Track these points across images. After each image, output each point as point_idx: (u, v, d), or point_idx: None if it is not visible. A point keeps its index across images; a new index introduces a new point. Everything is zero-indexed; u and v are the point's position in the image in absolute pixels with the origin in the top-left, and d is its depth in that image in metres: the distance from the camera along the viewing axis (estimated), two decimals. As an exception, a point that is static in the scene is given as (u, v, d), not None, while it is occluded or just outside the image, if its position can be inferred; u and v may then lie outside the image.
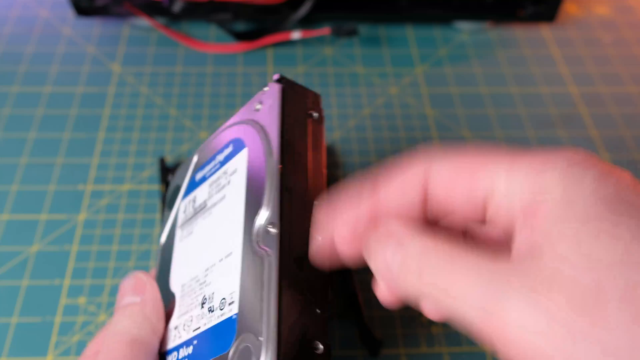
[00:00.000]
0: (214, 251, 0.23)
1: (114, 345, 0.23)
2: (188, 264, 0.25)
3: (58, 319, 0.34)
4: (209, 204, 0.25)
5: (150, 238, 0.38)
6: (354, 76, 0.49)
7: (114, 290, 0.35)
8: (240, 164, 0.24)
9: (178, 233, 0.27)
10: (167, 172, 0.40)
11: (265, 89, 0.24)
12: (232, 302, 0.21)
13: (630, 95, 0.49)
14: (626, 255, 0.14)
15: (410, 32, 0.53)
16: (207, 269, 0.23)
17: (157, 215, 0.39)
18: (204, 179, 0.27)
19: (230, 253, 0.22)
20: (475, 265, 0.15)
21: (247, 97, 0.46)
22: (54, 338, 0.33)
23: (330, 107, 0.46)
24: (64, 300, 0.35)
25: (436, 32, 0.53)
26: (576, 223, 0.15)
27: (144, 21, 0.50)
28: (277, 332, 0.18)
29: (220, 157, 0.26)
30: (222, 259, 0.23)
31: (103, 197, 0.40)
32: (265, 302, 0.19)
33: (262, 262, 0.20)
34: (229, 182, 0.24)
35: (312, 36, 0.50)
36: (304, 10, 0.48)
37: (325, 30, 0.48)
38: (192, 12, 0.48)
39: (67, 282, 0.35)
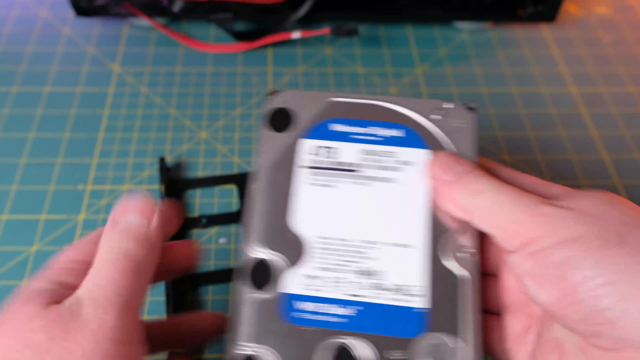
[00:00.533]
0: (380, 230, 0.25)
1: (118, 267, 0.21)
2: (327, 218, 0.25)
3: (58, 319, 0.34)
4: (365, 173, 0.26)
5: (150, 238, 0.38)
6: (354, 76, 0.49)
7: (114, 290, 0.35)
8: (418, 160, 0.26)
9: (303, 173, 0.26)
10: (168, 171, 0.40)
11: (448, 105, 0.27)
12: (416, 295, 0.24)
13: (630, 95, 0.49)
14: None
15: (410, 32, 0.53)
16: (368, 242, 0.25)
17: (157, 215, 0.39)
18: (347, 137, 0.27)
19: (408, 246, 0.25)
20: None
21: (247, 96, 0.46)
22: (54, 338, 0.33)
23: (330, 107, 0.46)
24: (64, 300, 0.35)
25: (436, 32, 0.53)
26: None
27: (143, 21, 0.50)
28: (476, 344, 0.23)
29: (382, 132, 0.27)
30: (394, 245, 0.25)
31: (103, 197, 0.40)
32: (464, 315, 0.24)
33: (454, 277, 0.24)
34: (400, 170, 0.26)
35: (312, 36, 0.50)
36: (304, 10, 0.48)
37: (325, 30, 0.48)
38: (192, 12, 0.48)
39: (67, 282, 0.35)
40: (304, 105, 0.28)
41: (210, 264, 0.37)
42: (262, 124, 0.28)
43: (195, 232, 0.38)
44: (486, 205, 0.24)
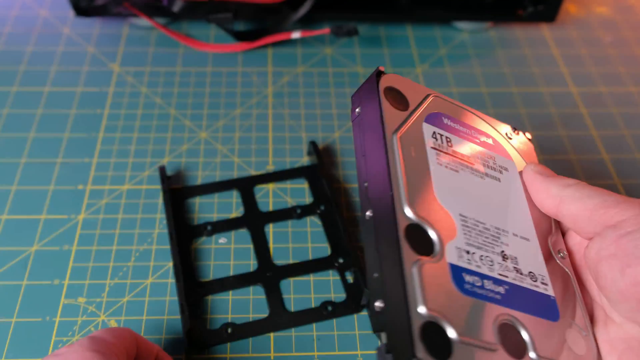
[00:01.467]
0: (503, 220, 0.27)
1: None
2: (462, 198, 0.26)
3: (58, 319, 0.34)
4: (477, 167, 0.28)
5: (150, 238, 0.38)
6: (354, 76, 0.49)
7: (114, 291, 0.35)
8: (511, 168, 0.30)
9: (431, 153, 0.27)
10: (168, 179, 0.40)
11: (514, 130, 0.32)
12: (546, 284, 0.26)
13: (630, 95, 0.49)
14: None
15: (410, 32, 0.53)
16: (498, 229, 0.27)
17: (157, 215, 0.39)
18: (458, 133, 0.29)
19: (529, 240, 0.27)
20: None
21: (247, 96, 0.46)
22: (54, 338, 0.33)
23: (330, 107, 0.46)
24: (64, 300, 0.35)
25: (436, 32, 0.53)
26: None
27: (143, 21, 0.50)
28: (592, 333, 0.25)
29: (478, 136, 0.30)
30: (518, 235, 0.27)
31: (103, 197, 0.40)
32: (579, 307, 0.26)
33: (559, 271, 0.27)
34: (501, 172, 0.29)
35: (312, 36, 0.50)
36: (304, 10, 0.48)
37: (325, 30, 0.48)
38: (192, 12, 0.48)
39: (67, 282, 0.35)
40: (412, 92, 0.29)
41: (210, 264, 0.37)
42: (374, 97, 0.28)
43: (202, 240, 0.38)
44: (574, 193, 0.26)
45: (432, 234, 0.24)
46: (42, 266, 0.36)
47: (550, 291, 0.26)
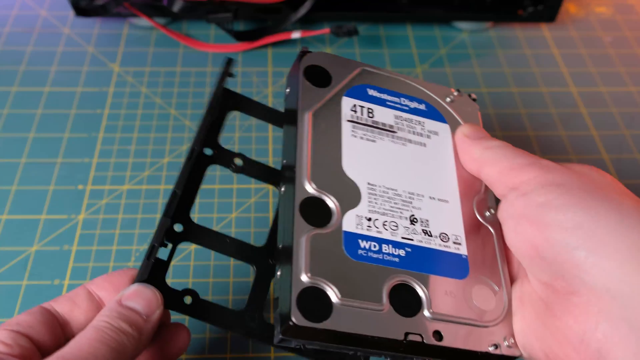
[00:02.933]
0: (420, 185, 0.28)
1: (102, 345, 0.22)
2: (373, 168, 0.28)
3: (58, 319, 0.34)
4: (400, 135, 0.29)
5: (150, 238, 0.37)
6: (354, 76, 0.49)
7: (114, 290, 0.35)
8: (442, 132, 0.30)
9: (346, 126, 0.28)
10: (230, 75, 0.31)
11: (456, 93, 0.32)
12: (459, 243, 0.27)
13: (630, 95, 0.49)
14: None
15: (410, 32, 0.53)
16: (412, 194, 0.28)
17: (157, 215, 0.39)
18: (383, 103, 0.30)
19: (447, 201, 0.28)
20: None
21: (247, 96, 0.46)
22: (54, 338, 0.33)
23: (330, 107, 0.46)
24: (64, 300, 0.35)
25: (436, 32, 0.53)
26: None
27: (143, 21, 0.50)
28: (507, 289, 0.26)
29: (409, 103, 0.31)
30: (434, 198, 0.28)
31: (103, 197, 0.40)
32: (496, 263, 0.27)
33: (482, 230, 0.28)
34: (428, 137, 0.30)
35: (312, 36, 0.50)
36: (304, 10, 0.48)
37: (325, 30, 0.48)
38: (192, 12, 0.48)
39: (67, 282, 0.35)
40: (338, 67, 0.30)
41: (210, 264, 0.37)
42: (296, 77, 0.29)
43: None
44: (494, 155, 0.27)
45: (332, 205, 0.26)
46: (42, 266, 0.36)
47: (462, 250, 0.27)
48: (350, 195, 0.26)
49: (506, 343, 0.25)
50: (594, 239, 0.22)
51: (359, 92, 0.30)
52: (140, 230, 0.38)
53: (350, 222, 0.25)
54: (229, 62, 0.31)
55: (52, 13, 0.52)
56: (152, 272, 0.25)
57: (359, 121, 0.29)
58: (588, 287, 0.21)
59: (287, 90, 0.30)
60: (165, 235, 0.26)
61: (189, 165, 0.28)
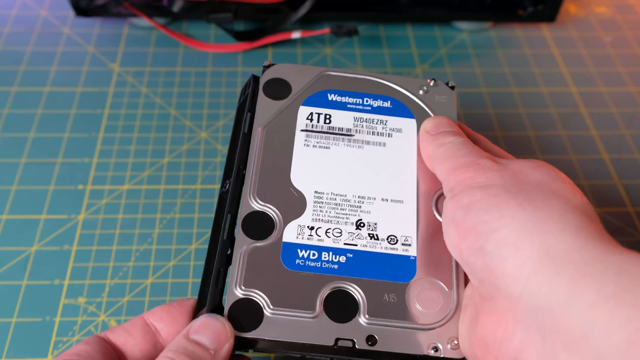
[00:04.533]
0: (373, 187, 0.28)
1: None
2: (323, 176, 0.28)
3: (58, 319, 0.34)
4: (358, 138, 0.29)
5: (150, 238, 0.38)
6: (354, 76, 0.49)
7: (114, 291, 0.35)
8: (406, 128, 0.30)
9: (300, 136, 0.29)
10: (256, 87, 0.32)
11: (432, 83, 0.31)
12: (409, 244, 0.27)
13: (630, 95, 0.49)
14: None
15: (410, 32, 0.53)
16: (361, 197, 0.28)
17: (157, 215, 0.39)
18: (343, 106, 0.30)
19: (401, 201, 0.28)
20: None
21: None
22: (54, 338, 0.33)
23: (330, 107, 0.46)
24: (64, 300, 0.35)
25: (436, 32, 0.53)
26: None
27: (143, 21, 0.50)
28: (458, 288, 0.26)
29: (372, 102, 0.30)
30: (386, 200, 0.28)
31: (103, 197, 0.40)
32: (447, 263, 0.26)
33: (439, 228, 0.26)
34: (389, 135, 0.30)
35: (312, 36, 0.50)
36: (304, 10, 0.48)
37: (325, 30, 0.48)
38: (192, 12, 0.48)
39: (67, 282, 0.35)
40: (299, 76, 0.31)
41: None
42: (260, 92, 0.30)
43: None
44: (444, 153, 0.26)
45: (274, 217, 0.26)
46: (42, 266, 0.36)
47: (412, 251, 0.26)
48: (295, 206, 0.27)
49: (449, 345, 0.24)
50: (508, 244, 0.21)
51: (317, 99, 0.30)
52: (140, 230, 0.38)
53: (291, 233, 0.26)
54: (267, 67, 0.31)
55: (52, 13, 0.52)
56: (220, 300, 0.25)
57: (314, 129, 0.29)
58: (503, 295, 0.21)
59: (248, 91, 0.30)
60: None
61: (238, 184, 0.28)
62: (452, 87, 0.31)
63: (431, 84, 0.31)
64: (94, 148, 0.42)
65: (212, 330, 0.23)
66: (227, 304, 0.24)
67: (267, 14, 0.49)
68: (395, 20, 0.53)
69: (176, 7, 0.47)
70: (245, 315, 0.24)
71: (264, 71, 0.31)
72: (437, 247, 0.27)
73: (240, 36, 0.50)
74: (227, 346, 0.23)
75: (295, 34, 0.49)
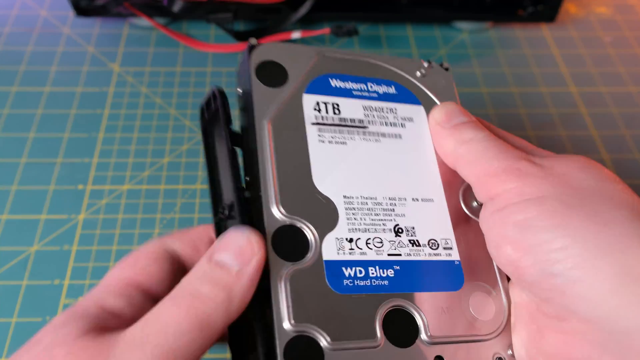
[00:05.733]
0: (400, 186, 0.25)
1: (185, 322, 0.19)
2: (347, 177, 0.24)
3: (58, 319, 0.34)
4: (372, 130, 0.26)
5: (150, 238, 0.38)
6: (354, 76, 0.49)
7: (114, 290, 0.35)
8: (417, 117, 0.27)
9: (312, 130, 0.25)
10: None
11: (427, 65, 0.28)
12: (450, 247, 0.24)
13: (630, 95, 0.49)
14: None
15: (410, 32, 0.53)
16: (392, 199, 0.24)
17: (157, 215, 0.39)
18: (348, 94, 0.27)
19: (432, 200, 0.25)
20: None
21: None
22: (54, 338, 0.33)
23: (330, 107, 0.46)
24: (64, 300, 0.35)
25: (436, 32, 0.53)
26: None
27: (143, 21, 0.50)
28: (505, 290, 0.24)
29: (377, 88, 0.27)
30: (417, 199, 0.25)
31: (103, 197, 0.40)
32: (495, 266, 0.24)
33: (473, 225, 0.25)
34: (402, 126, 0.27)
35: (312, 36, 0.50)
36: (304, 10, 0.48)
37: (325, 30, 0.48)
38: (192, 12, 0.48)
39: (67, 282, 0.35)
40: (294, 58, 0.26)
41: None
42: (249, 79, 0.25)
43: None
44: (469, 154, 0.24)
45: (307, 232, 0.22)
46: (42, 266, 0.36)
47: (454, 255, 0.24)
48: (326, 216, 0.23)
49: (510, 352, 0.23)
50: (580, 265, 0.19)
51: (320, 86, 0.26)
52: (140, 230, 0.38)
53: (331, 249, 0.22)
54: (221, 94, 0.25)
55: (52, 13, 0.52)
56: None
57: (325, 122, 0.25)
58: (578, 317, 0.20)
59: (239, 91, 0.26)
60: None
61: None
62: (447, 69, 0.29)
63: (425, 65, 0.28)
64: (94, 148, 0.42)
65: (235, 247, 0.20)
66: (278, 344, 0.20)
67: (267, 14, 0.49)
68: (395, 20, 0.53)
69: (176, 7, 0.47)
70: (303, 356, 0.20)
71: (250, 52, 0.25)
72: (475, 247, 0.24)
73: (240, 36, 0.50)
74: (254, 263, 0.20)
75: (295, 34, 0.49)
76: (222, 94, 0.25)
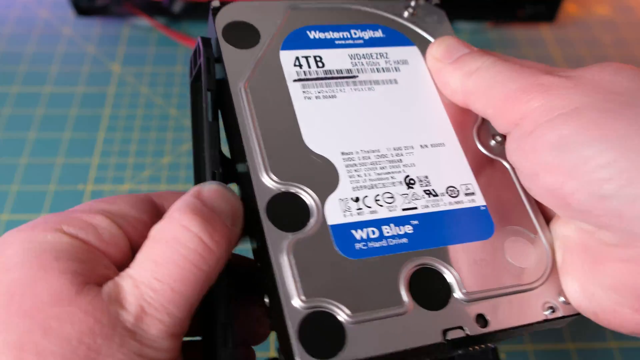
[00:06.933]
0: (405, 134, 0.23)
1: (185, 269, 0.17)
2: (343, 132, 0.22)
3: (58, 319, 0.34)
4: (364, 78, 0.24)
5: (150, 238, 0.38)
6: (354, 76, 0.49)
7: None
8: (411, 58, 0.25)
9: (295, 88, 0.23)
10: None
11: (415, 2, 0.26)
12: (472, 192, 0.22)
13: (630, 95, 0.49)
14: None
15: (410, 32, 0.53)
16: (397, 149, 0.22)
17: (157, 215, 0.39)
18: (330, 44, 0.24)
19: (443, 144, 0.23)
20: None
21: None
22: (54, 338, 0.33)
23: (330, 107, 0.46)
24: (64, 300, 0.35)
25: (436, 32, 0.53)
26: None
27: (144, 21, 0.50)
28: (544, 231, 0.21)
29: (362, 34, 0.25)
30: (426, 146, 0.23)
31: (103, 197, 0.40)
32: (522, 204, 0.22)
33: (495, 165, 0.22)
34: (397, 70, 0.25)
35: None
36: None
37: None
38: (192, 12, 0.48)
39: (67, 282, 0.35)
40: (264, 16, 0.24)
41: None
42: (217, 44, 0.23)
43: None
44: (479, 83, 0.21)
45: (306, 197, 0.20)
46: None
47: (479, 200, 0.22)
48: (325, 177, 0.21)
49: (562, 299, 0.20)
50: (631, 180, 0.16)
51: (297, 40, 0.24)
52: (140, 230, 0.38)
53: (335, 212, 0.20)
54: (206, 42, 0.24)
55: (52, 13, 0.52)
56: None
57: (309, 77, 0.23)
58: None
59: (200, 61, 0.24)
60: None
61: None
62: (438, 5, 0.27)
63: (413, 3, 0.26)
64: (94, 148, 0.42)
65: (227, 200, 0.19)
66: (290, 325, 0.17)
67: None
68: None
69: (176, 7, 0.47)
70: (321, 335, 0.18)
71: (214, 15, 0.24)
72: (503, 190, 0.22)
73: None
74: (240, 222, 0.19)
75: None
76: (207, 45, 0.23)
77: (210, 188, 0.19)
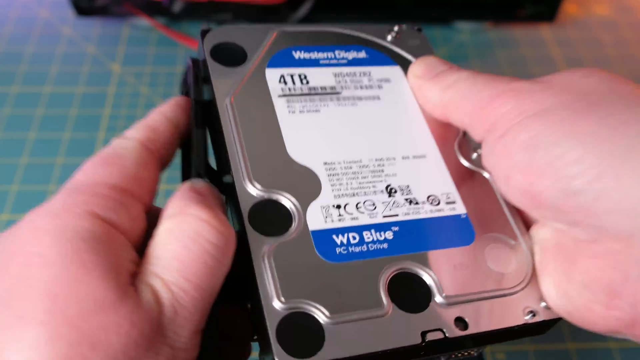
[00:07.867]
0: (387, 146, 0.24)
1: (206, 266, 0.17)
2: (326, 144, 0.23)
3: (58, 319, 0.34)
4: (347, 94, 0.25)
5: (150, 238, 0.38)
6: (354, 76, 0.49)
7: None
8: (393, 76, 0.26)
9: (280, 103, 0.24)
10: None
11: (398, 28, 0.28)
12: (453, 201, 0.22)
13: (630, 95, 0.49)
14: None
15: (410, 32, 0.53)
16: (379, 159, 0.23)
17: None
18: (315, 63, 0.26)
19: (424, 156, 0.24)
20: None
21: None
22: (54, 338, 0.33)
23: (330, 107, 0.46)
24: (64, 300, 0.35)
25: (436, 32, 0.53)
26: None
27: (144, 21, 0.50)
28: (524, 238, 0.22)
29: (346, 55, 0.26)
30: (407, 157, 0.24)
31: (103, 197, 0.40)
32: (502, 212, 0.22)
33: (475, 177, 0.23)
34: (379, 87, 0.26)
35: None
36: (304, 10, 0.48)
37: (325, 31, 0.48)
38: (192, 12, 0.48)
39: (67, 282, 0.35)
40: (251, 37, 0.26)
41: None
42: (206, 64, 0.25)
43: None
44: (456, 95, 0.22)
45: (288, 204, 0.21)
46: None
47: (460, 208, 0.22)
48: (307, 185, 0.22)
49: (543, 304, 0.20)
50: (601, 175, 0.17)
51: (283, 59, 0.25)
52: (140, 230, 0.38)
53: (317, 218, 0.21)
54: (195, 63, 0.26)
55: (52, 13, 0.52)
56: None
57: (293, 92, 0.24)
58: (611, 235, 0.17)
59: (189, 79, 0.25)
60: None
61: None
62: (419, 29, 0.28)
63: (396, 28, 0.27)
64: (94, 148, 0.42)
65: (219, 196, 0.20)
66: (269, 325, 0.18)
67: (267, 15, 0.49)
68: (395, 20, 0.52)
69: (176, 7, 0.47)
70: (300, 335, 0.18)
71: (203, 37, 0.25)
72: (485, 199, 0.23)
73: (240, 36, 0.50)
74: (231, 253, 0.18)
75: (295, 34, 0.49)
76: (197, 65, 0.25)
77: (200, 183, 0.20)
